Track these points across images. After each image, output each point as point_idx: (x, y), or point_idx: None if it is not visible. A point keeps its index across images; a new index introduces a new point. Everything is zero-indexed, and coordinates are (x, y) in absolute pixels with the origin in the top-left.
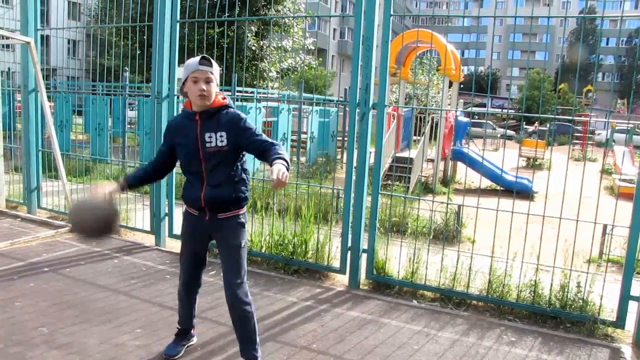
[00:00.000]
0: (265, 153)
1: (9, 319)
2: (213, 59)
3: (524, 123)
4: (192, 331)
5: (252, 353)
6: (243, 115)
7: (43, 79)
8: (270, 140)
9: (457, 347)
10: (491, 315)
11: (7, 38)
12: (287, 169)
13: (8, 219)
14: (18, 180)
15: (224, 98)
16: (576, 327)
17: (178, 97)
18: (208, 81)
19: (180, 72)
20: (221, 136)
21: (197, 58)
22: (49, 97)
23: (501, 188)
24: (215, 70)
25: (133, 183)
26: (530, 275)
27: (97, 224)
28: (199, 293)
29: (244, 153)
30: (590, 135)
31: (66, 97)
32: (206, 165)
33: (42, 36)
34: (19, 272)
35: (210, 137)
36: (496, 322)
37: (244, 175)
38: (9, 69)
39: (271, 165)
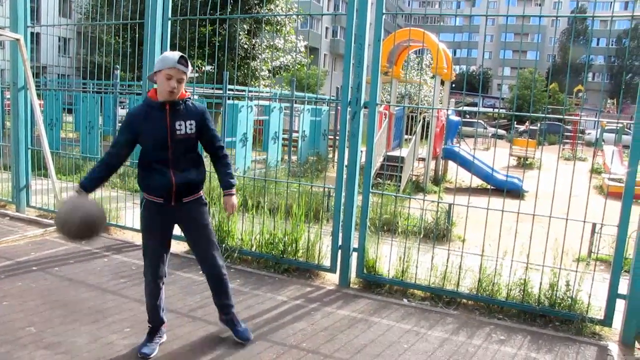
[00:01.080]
0: (217, 163)
1: None
2: (205, 57)
3: (515, 122)
4: (163, 327)
5: (229, 303)
6: (206, 109)
7: (33, 76)
8: (222, 144)
9: (447, 345)
10: (481, 313)
11: None
12: (235, 188)
13: None
14: (7, 178)
15: (186, 91)
16: (565, 326)
17: None
18: (180, 81)
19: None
20: (191, 124)
21: (176, 55)
22: (38, 95)
23: (492, 187)
24: (189, 71)
25: (91, 188)
26: (520, 273)
27: (84, 225)
28: (187, 292)
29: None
30: (580, 135)
31: (56, 95)
32: (173, 151)
33: (32, 33)
34: (6, 271)
35: (180, 124)
36: (486, 321)
37: (201, 160)
38: None
39: (224, 191)
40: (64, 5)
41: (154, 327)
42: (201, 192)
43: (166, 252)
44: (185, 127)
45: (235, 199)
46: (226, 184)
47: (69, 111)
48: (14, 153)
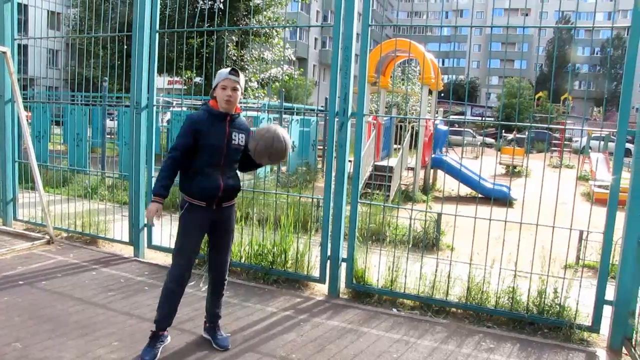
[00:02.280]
0: (248, 159)
1: None
2: (194, 68)
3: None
4: (166, 331)
5: (219, 314)
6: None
7: (21, 89)
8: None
9: (436, 354)
10: (470, 322)
11: None
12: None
13: None
14: None
15: (239, 109)
16: (553, 333)
17: (157, 107)
18: (235, 89)
19: (159, 82)
20: (242, 137)
21: (228, 69)
22: (26, 107)
23: (480, 195)
24: (242, 80)
25: (167, 194)
26: (509, 281)
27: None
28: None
29: None
30: (567, 143)
31: (44, 107)
32: (226, 159)
33: (20, 45)
34: None
35: (235, 135)
36: (475, 329)
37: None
38: None
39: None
40: (52, 17)
41: (158, 329)
42: (235, 199)
43: (196, 256)
44: (239, 138)
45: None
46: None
47: (57, 123)
48: (1, 166)
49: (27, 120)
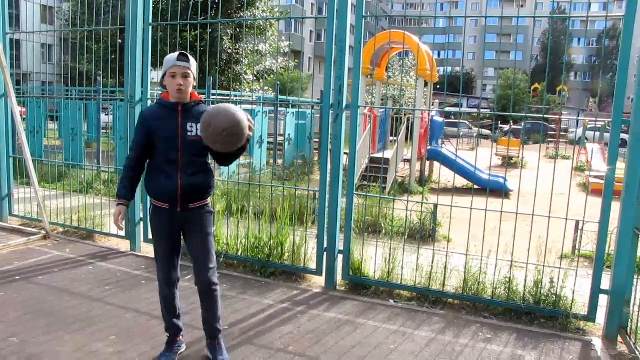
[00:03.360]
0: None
1: None
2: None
3: (500, 122)
4: (180, 337)
5: (217, 327)
6: None
7: (14, 84)
8: None
9: (433, 345)
10: (467, 312)
11: None
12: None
13: None
14: None
15: (199, 95)
16: (550, 322)
17: (153, 101)
18: (185, 76)
19: (154, 76)
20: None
21: (176, 54)
22: (20, 103)
23: (476, 187)
24: (193, 66)
25: (132, 196)
26: (505, 272)
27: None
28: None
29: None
30: (563, 134)
31: (38, 102)
32: (183, 153)
33: (13, 40)
34: None
35: (192, 126)
36: (472, 320)
37: (211, 167)
38: None
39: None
40: (45, 11)
41: (171, 335)
42: (208, 199)
43: (177, 257)
44: (197, 129)
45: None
46: None
47: (52, 118)
48: None
49: (22, 115)
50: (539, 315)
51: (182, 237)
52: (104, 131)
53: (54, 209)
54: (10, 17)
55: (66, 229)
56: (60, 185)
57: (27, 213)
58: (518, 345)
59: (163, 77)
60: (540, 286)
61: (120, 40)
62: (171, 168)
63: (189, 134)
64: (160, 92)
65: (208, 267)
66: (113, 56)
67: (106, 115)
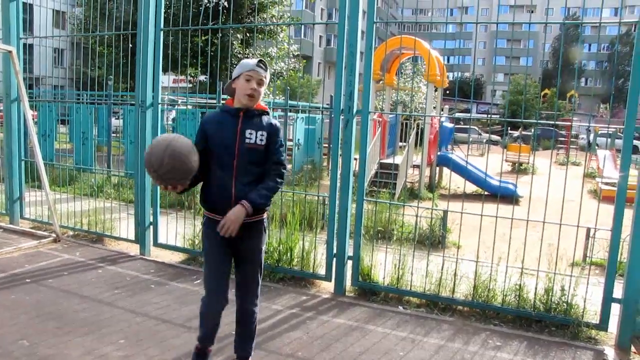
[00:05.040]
0: (266, 172)
1: None
2: (199, 66)
3: (509, 128)
4: (211, 348)
5: (249, 350)
6: (281, 127)
7: (26, 88)
8: (281, 161)
9: (442, 352)
10: (476, 320)
11: None
12: (253, 209)
13: None
14: (0, 190)
15: (266, 106)
16: (560, 331)
17: (162, 106)
18: (260, 83)
19: (165, 80)
20: (262, 135)
21: (255, 60)
22: (32, 107)
23: (486, 193)
24: (268, 75)
25: (190, 184)
26: (515, 279)
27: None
28: (181, 302)
29: None
30: (574, 140)
31: (50, 106)
32: (239, 161)
33: (25, 45)
34: (0, 283)
35: (251, 133)
36: (481, 327)
37: None
38: None
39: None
40: (58, 16)
41: (202, 348)
42: (263, 215)
43: (229, 276)
44: (256, 137)
45: (239, 214)
46: (247, 197)
47: (63, 122)
48: (7, 165)
49: (33, 119)
50: (549, 323)
51: (232, 257)
52: (114, 135)
53: (65, 212)
54: (23, 21)
55: (76, 232)
56: (71, 188)
57: (38, 216)
58: (528, 353)
59: (233, 80)
60: (551, 294)
61: (130, 45)
62: (226, 176)
63: (247, 140)
64: (169, 96)
65: (252, 296)
66: (124, 61)
67: (116, 119)
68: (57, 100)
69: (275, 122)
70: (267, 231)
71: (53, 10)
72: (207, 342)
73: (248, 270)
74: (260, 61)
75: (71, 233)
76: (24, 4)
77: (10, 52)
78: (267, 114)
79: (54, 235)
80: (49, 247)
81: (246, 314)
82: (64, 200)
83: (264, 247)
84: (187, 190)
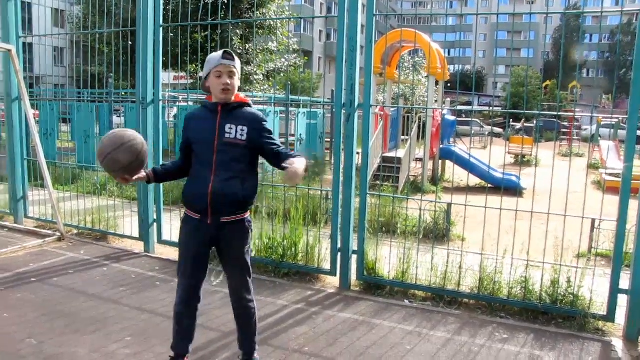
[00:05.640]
0: (280, 156)
1: None
2: (199, 63)
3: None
4: (186, 358)
5: (253, 345)
6: (264, 116)
7: (28, 87)
8: (285, 150)
9: (449, 346)
10: (483, 312)
11: None
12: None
13: None
14: (4, 190)
15: (246, 98)
16: (567, 322)
17: (163, 102)
18: (231, 75)
19: (165, 77)
20: (242, 130)
21: (220, 52)
22: (34, 106)
23: (489, 185)
24: (237, 64)
25: (160, 173)
26: (521, 271)
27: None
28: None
29: (258, 160)
30: (576, 131)
31: (51, 105)
32: (218, 156)
33: (25, 44)
34: (5, 283)
35: (230, 128)
36: (488, 320)
37: (253, 178)
38: None
39: (285, 163)
40: (57, 15)
41: (175, 356)
42: (245, 214)
43: (201, 276)
44: (237, 131)
45: (303, 164)
46: (291, 156)
47: (65, 121)
48: (10, 164)
49: (35, 118)
50: (556, 315)
51: (208, 256)
52: None
53: (68, 210)
54: (22, 20)
55: (80, 231)
56: (74, 187)
57: (42, 215)
58: (535, 345)
59: (206, 78)
60: (557, 286)
61: (130, 42)
62: (205, 171)
63: (226, 135)
64: (170, 93)
65: (241, 289)
66: (124, 58)
67: (118, 117)
68: (58, 99)
69: (256, 112)
70: (251, 230)
71: (52, 9)
72: (180, 349)
73: (236, 270)
74: (225, 52)
75: (75, 231)
76: (23, 2)
77: (9, 51)
78: (248, 105)
79: (58, 233)
80: (53, 246)
81: (241, 309)
82: (67, 198)
83: (249, 247)
84: (159, 182)
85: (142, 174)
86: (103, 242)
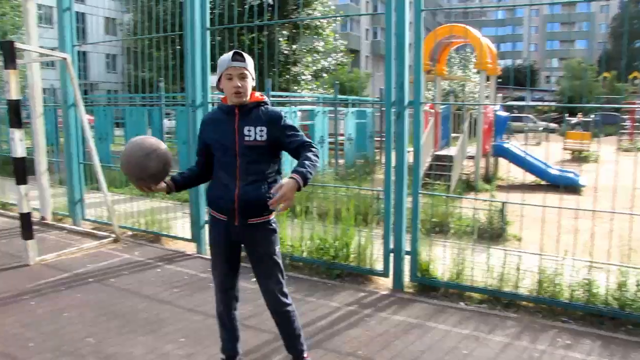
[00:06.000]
0: (298, 156)
1: (57, 330)
2: None
3: (567, 115)
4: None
5: (299, 347)
6: (282, 113)
7: (83, 93)
8: (307, 141)
9: (509, 351)
10: (543, 316)
11: (46, 55)
12: (304, 182)
13: (55, 231)
14: (63, 193)
15: (262, 96)
16: (639, 329)
17: (213, 105)
18: (243, 77)
19: (213, 80)
20: (261, 131)
21: (230, 54)
22: (90, 111)
23: (546, 183)
24: (249, 65)
25: (179, 182)
26: (584, 273)
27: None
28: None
29: (281, 155)
30: (638, 124)
31: (105, 110)
32: (241, 160)
33: (80, 52)
34: (65, 283)
35: (249, 130)
36: (549, 324)
37: (278, 177)
38: (51, 85)
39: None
40: (109, 23)
41: (227, 358)
42: (271, 215)
43: (234, 275)
44: (256, 133)
45: (291, 187)
46: (293, 170)
47: (119, 125)
48: (67, 168)
49: (90, 123)
50: (624, 321)
51: (239, 255)
52: (168, 136)
53: (123, 213)
54: (77, 30)
55: (135, 232)
56: (128, 189)
57: (98, 217)
58: (604, 353)
59: (219, 80)
60: (624, 289)
61: (179, 47)
62: (229, 176)
63: (246, 138)
64: (219, 95)
65: (271, 289)
66: (173, 63)
67: (169, 120)
68: (112, 104)
69: (273, 109)
70: (277, 232)
71: (104, 18)
72: (228, 351)
73: (265, 272)
74: (235, 53)
75: (130, 233)
76: (78, 13)
77: (65, 59)
78: (265, 103)
79: (113, 235)
80: (109, 247)
81: (276, 313)
82: (121, 201)
83: (276, 249)
84: (178, 190)
85: (163, 184)
86: (156, 244)
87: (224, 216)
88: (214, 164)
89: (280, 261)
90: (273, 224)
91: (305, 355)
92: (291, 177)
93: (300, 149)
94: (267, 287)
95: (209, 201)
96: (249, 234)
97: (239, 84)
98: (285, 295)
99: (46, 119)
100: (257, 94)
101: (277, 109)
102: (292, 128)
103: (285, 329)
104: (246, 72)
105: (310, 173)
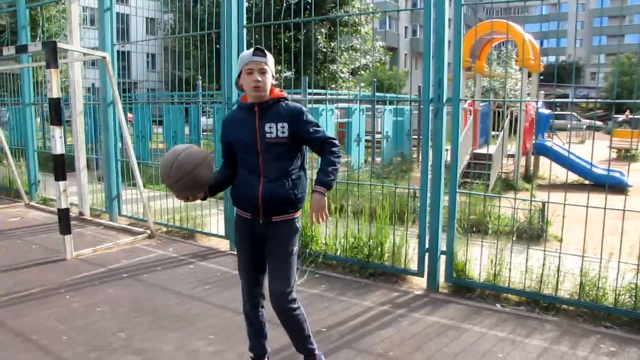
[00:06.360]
0: (320, 152)
1: (90, 324)
2: (283, 63)
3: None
4: (267, 358)
5: (308, 347)
6: (304, 108)
7: (125, 92)
8: (330, 137)
9: (547, 356)
10: (584, 320)
11: (86, 54)
12: (329, 189)
13: (92, 226)
14: (101, 189)
15: (282, 91)
16: None
17: None
18: (263, 72)
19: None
20: (282, 127)
21: (251, 50)
22: (129, 109)
23: (589, 182)
24: (270, 61)
25: (213, 187)
26: (630, 277)
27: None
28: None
29: (304, 150)
30: None
31: (144, 108)
32: (264, 157)
33: (120, 52)
34: (100, 278)
35: (270, 127)
36: (591, 329)
37: (302, 174)
38: (93, 84)
39: (312, 192)
40: (150, 23)
41: (255, 357)
42: (296, 213)
43: (261, 273)
44: (277, 129)
45: (321, 201)
46: (316, 180)
47: (159, 122)
48: (106, 165)
49: (129, 121)
50: None
51: (264, 253)
52: (205, 133)
53: (158, 209)
54: (121, 31)
55: (169, 229)
56: (164, 186)
57: (134, 213)
58: None
59: (239, 76)
60: None
61: (217, 45)
62: (251, 174)
63: (267, 135)
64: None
65: (281, 292)
66: (210, 62)
67: (206, 118)
68: (150, 102)
69: (294, 105)
70: (299, 231)
71: (144, 18)
72: (256, 349)
73: (276, 271)
74: (256, 49)
75: (164, 229)
76: (120, 14)
77: (104, 58)
78: (285, 99)
79: (148, 231)
80: (144, 243)
81: (280, 314)
82: (157, 197)
83: (294, 249)
84: (212, 195)
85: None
86: (190, 240)
87: (248, 214)
88: (238, 163)
89: (295, 263)
90: (297, 223)
91: (316, 352)
92: (315, 191)
93: (322, 146)
94: (275, 290)
95: (233, 199)
96: (271, 231)
97: (259, 78)
98: (293, 298)
99: (87, 116)
100: (277, 90)
101: (298, 104)
102: (314, 124)
103: (291, 330)
104: (266, 67)
105: (334, 180)
